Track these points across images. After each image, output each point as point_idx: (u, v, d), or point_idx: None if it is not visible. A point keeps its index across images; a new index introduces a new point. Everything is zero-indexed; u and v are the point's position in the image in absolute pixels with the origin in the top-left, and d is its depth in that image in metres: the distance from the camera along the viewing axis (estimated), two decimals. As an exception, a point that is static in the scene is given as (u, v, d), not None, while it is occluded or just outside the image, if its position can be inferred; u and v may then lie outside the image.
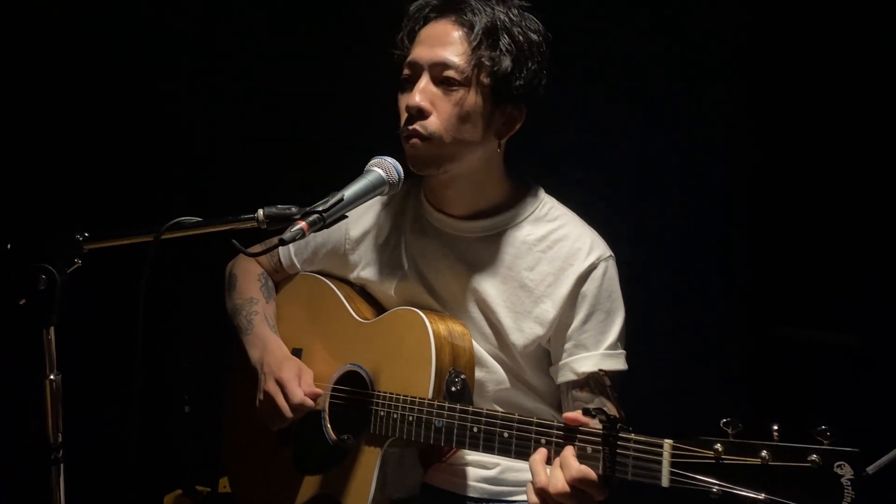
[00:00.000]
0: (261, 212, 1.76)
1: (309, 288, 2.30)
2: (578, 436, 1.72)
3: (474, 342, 2.10)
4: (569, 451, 1.70)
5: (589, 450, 1.70)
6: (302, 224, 1.72)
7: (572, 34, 2.78)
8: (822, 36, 2.75)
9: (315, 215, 1.75)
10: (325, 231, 2.20)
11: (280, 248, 2.29)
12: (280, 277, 2.39)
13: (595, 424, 1.70)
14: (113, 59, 2.89)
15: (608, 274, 2.08)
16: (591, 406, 1.88)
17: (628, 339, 2.13)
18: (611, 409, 1.86)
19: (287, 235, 1.70)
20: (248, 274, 2.36)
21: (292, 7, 3.03)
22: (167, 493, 2.92)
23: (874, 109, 2.68)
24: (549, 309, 2.06)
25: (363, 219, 2.23)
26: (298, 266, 2.33)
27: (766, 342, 2.89)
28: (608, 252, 2.10)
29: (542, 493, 1.70)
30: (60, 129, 2.83)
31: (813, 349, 2.85)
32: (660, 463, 1.61)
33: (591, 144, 2.91)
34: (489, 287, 2.10)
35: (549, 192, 2.20)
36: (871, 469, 1.84)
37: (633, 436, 1.65)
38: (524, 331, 2.08)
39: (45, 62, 2.79)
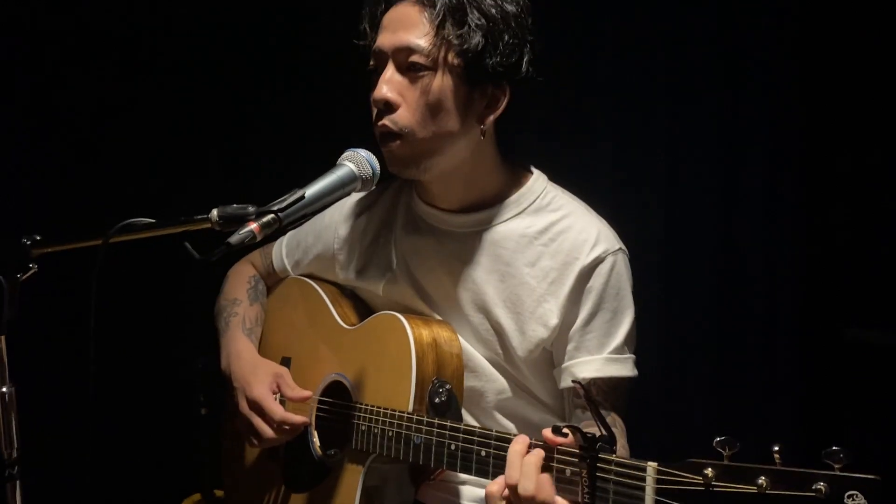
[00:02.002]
0: (215, 212, 1.61)
1: (297, 293, 2.17)
2: (557, 456, 1.53)
3: (472, 349, 1.93)
4: (545, 479, 1.51)
5: (568, 472, 1.51)
6: (253, 226, 1.56)
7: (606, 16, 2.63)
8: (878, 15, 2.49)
9: (270, 216, 1.58)
10: (316, 232, 2.12)
11: (274, 250, 2.23)
12: (274, 281, 2.26)
13: (573, 442, 1.50)
14: (64, 59, 2.81)
15: (616, 269, 1.87)
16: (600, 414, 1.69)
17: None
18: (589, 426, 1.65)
19: (234, 238, 1.54)
20: (239, 276, 2.26)
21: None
22: (185, 497, 2.85)
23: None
24: (553, 308, 1.88)
25: (353, 217, 2.09)
26: (289, 269, 2.20)
27: (828, 346, 2.61)
28: (617, 245, 1.89)
29: (512, 490, 1.52)
30: (18, 133, 2.77)
31: (884, 353, 2.55)
32: (643, 490, 1.41)
33: (629, 129, 2.72)
34: (487, 286, 1.92)
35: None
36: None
37: (614, 457, 1.45)
38: (526, 333, 1.90)
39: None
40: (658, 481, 1.39)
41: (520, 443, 1.56)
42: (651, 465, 1.41)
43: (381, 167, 1.79)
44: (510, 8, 1.82)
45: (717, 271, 2.68)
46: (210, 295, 2.46)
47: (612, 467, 1.45)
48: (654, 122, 2.73)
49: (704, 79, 2.70)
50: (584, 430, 1.47)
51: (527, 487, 1.50)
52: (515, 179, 1.96)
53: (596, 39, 2.68)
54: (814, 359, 2.62)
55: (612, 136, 2.73)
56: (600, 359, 1.85)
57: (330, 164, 1.77)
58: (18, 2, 2.72)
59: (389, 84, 1.82)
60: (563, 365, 1.88)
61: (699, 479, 1.35)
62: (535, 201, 1.94)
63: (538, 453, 1.53)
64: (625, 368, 1.87)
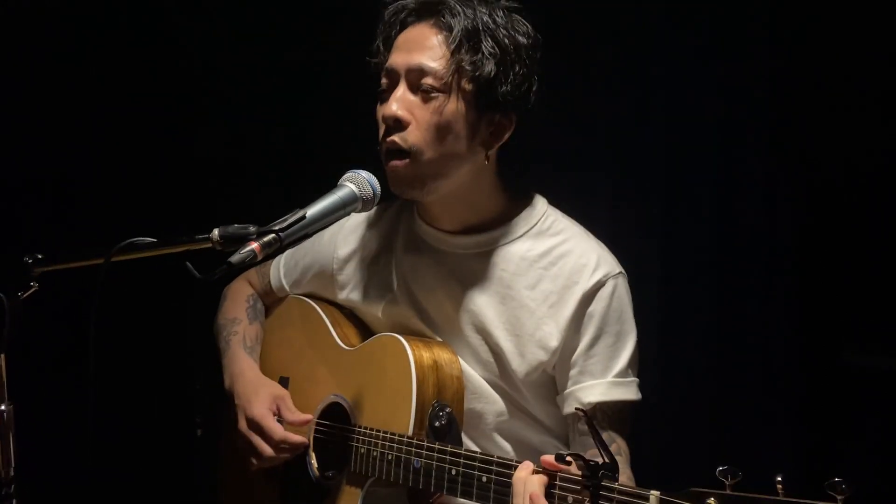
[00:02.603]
0: (216, 232, 1.62)
1: (297, 312, 2.18)
2: (559, 483, 1.53)
3: (472, 370, 1.93)
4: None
5: (570, 500, 1.52)
6: (254, 245, 1.58)
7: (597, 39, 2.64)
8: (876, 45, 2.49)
9: (271, 236, 1.60)
10: (314, 251, 2.13)
11: (271, 269, 2.24)
12: (271, 300, 2.27)
13: (574, 470, 1.50)
14: (73, 72, 2.80)
15: (617, 293, 1.88)
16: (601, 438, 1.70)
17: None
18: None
19: (236, 258, 1.56)
20: (238, 295, 2.26)
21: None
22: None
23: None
24: (553, 332, 1.88)
25: (353, 237, 2.09)
26: (287, 288, 2.21)
27: (824, 371, 2.60)
28: (617, 269, 1.91)
29: None
30: (23, 148, 2.75)
31: (881, 378, 2.55)
32: (645, 518, 1.41)
33: (624, 151, 2.71)
34: (487, 308, 1.93)
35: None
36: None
37: (616, 485, 1.46)
38: (526, 356, 1.90)
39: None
40: (660, 510, 1.40)
41: (524, 469, 1.57)
42: (654, 494, 1.41)
43: (381, 188, 1.80)
44: (522, 41, 1.86)
45: (713, 297, 2.66)
46: (206, 315, 2.47)
47: (615, 495, 1.45)
48: (650, 147, 2.73)
49: (702, 102, 2.71)
50: (588, 458, 1.47)
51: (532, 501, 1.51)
52: (516, 204, 1.98)
53: (593, 54, 2.69)
54: (812, 382, 2.61)
55: (610, 160, 2.74)
56: (605, 383, 1.86)
57: (330, 184, 1.78)
58: (25, 20, 2.73)
59: (400, 102, 1.84)
60: (567, 391, 1.89)
61: (702, 509, 1.35)
62: (535, 225, 1.95)
63: (542, 477, 1.54)
64: (629, 392, 1.88)
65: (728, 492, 1.35)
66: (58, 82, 2.76)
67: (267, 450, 1.95)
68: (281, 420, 1.99)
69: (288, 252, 2.19)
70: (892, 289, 2.54)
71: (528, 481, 1.54)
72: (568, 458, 1.49)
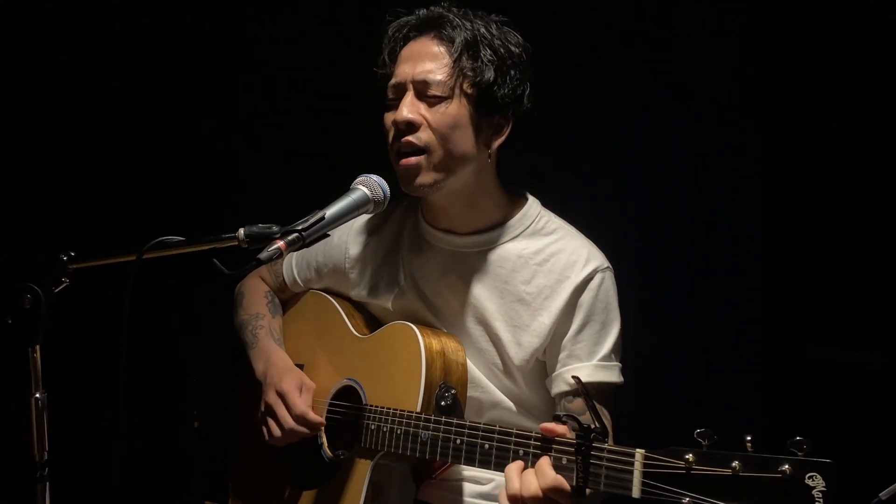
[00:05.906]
0: (241, 231, 1.75)
1: (313, 305, 2.34)
2: (554, 446, 1.71)
3: (471, 361, 2.11)
4: (545, 461, 1.69)
5: (564, 460, 1.69)
6: (280, 243, 1.72)
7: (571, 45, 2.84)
8: (839, 38, 2.70)
9: (294, 234, 1.75)
10: (326, 251, 2.28)
11: (284, 268, 2.38)
12: (286, 296, 2.43)
13: (570, 433, 1.69)
14: (109, 74, 2.95)
15: (605, 285, 2.08)
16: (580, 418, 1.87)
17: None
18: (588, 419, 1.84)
19: (264, 255, 1.71)
20: (256, 291, 2.41)
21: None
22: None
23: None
24: (546, 321, 2.07)
25: (361, 238, 2.26)
26: (301, 285, 2.37)
27: (786, 362, 2.81)
28: (605, 263, 2.10)
29: (514, 499, 1.69)
30: (57, 147, 2.88)
31: (835, 369, 2.76)
32: (631, 473, 1.58)
33: (603, 152, 2.90)
34: (487, 301, 2.11)
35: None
36: (883, 495, 1.80)
37: (606, 445, 1.64)
38: (523, 344, 2.08)
39: (34, 75, 2.83)
40: (645, 466, 1.57)
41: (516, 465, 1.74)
42: (639, 452, 1.58)
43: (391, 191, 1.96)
44: (514, 49, 2.05)
45: (685, 293, 2.86)
46: (203, 310, 2.60)
47: (604, 454, 1.63)
48: (628, 156, 2.93)
49: (675, 110, 2.89)
50: (581, 422, 1.66)
51: (530, 482, 1.68)
52: (512, 204, 2.15)
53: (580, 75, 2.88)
54: (779, 375, 2.81)
55: (588, 177, 2.92)
56: (590, 365, 2.04)
57: (339, 187, 1.93)
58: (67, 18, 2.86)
59: (411, 107, 2.00)
60: (556, 372, 2.07)
61: (681, 464, 1.53)
62: (530, 226, 2.13)
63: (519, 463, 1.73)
64: (612, 375, 2.06)
65: (704, 449, 1.54)
66: (93, 85, 2.89)
67: (288, 420, 2.08)
68: None
69: (298, 253, 2.35)
70: (856, 288, 2.75)
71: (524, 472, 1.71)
72: (564, 419, 1.67)
